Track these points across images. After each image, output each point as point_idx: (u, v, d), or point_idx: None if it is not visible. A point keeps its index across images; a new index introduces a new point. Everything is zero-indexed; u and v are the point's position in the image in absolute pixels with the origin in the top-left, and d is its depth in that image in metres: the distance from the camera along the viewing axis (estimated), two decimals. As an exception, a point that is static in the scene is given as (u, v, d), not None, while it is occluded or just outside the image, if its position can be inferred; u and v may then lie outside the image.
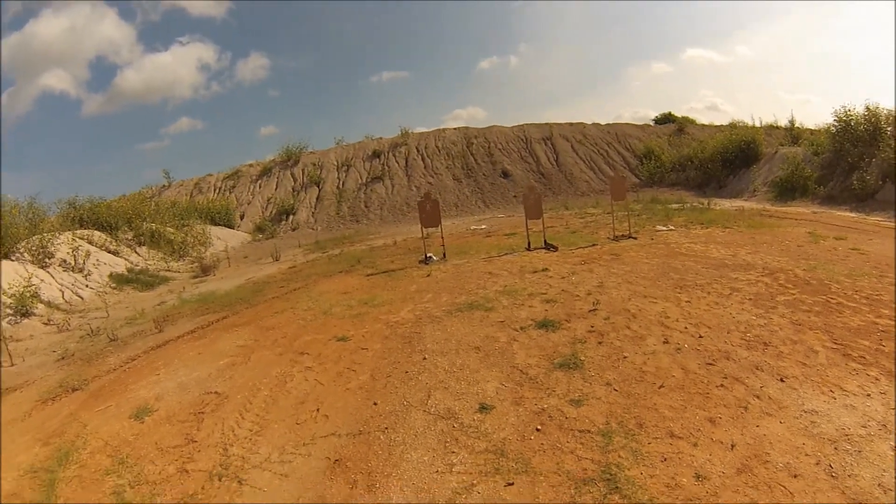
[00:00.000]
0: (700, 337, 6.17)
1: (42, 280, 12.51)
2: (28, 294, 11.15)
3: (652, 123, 35.74)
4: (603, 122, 33.23)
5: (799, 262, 9.27)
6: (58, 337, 9.78)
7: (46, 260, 13.58)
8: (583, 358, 5.87)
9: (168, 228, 20.06)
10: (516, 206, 17.30)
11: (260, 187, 30.01)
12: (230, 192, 29.98)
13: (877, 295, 7.16)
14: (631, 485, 3.66)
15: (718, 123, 32.68)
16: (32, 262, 13.21)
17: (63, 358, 8.35)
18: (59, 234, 15.32)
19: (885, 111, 18.35)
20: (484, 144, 30.37)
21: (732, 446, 4.01)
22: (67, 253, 14.27)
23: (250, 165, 32.63)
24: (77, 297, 12.64)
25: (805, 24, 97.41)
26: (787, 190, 19.62)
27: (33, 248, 13.62)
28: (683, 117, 35.51)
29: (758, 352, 5.67)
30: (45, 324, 10.59)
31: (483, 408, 4.98)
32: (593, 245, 12.73)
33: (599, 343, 6.28)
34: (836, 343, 5.74)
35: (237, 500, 4.05)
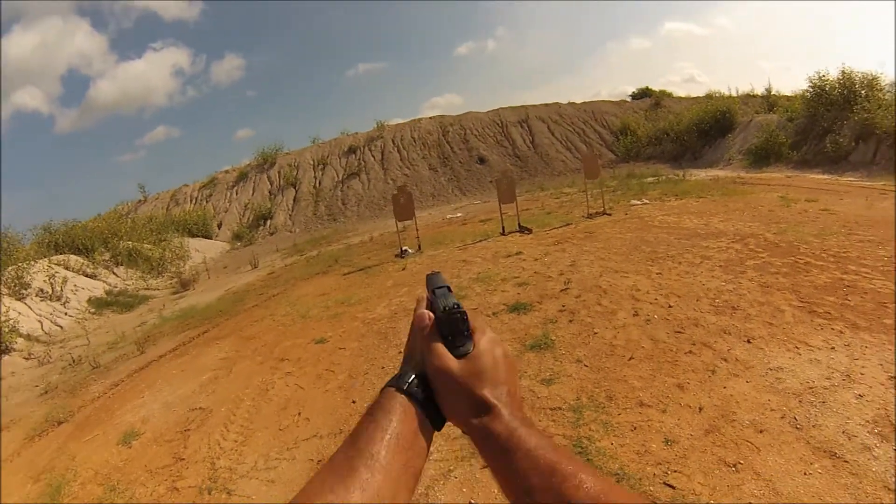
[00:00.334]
0: (670, 307, 6.27)
1: (20, 313, 12.31)
2: (6, 329, 10.97)
3: (629, 99, 35.57)
4: (579, 101, 33.18)
5: (769, 226, 9.42)
6: (40, 370, 9.70)
7: (23, 291, 13.39)
8: (554, 338, 5.94)
9: (145, 245, 19.86)
10: (493, 191, 17.43)
11: (236, 193, 29.78)
12: (207, 202, 29.70)
13: (844, 252, 7.31)
14: (602, 455, 3.75)
15: (696, 95, 32.75)
16: (9, 295, 12.99)
17: (46, 392, 8.28)
18: (35, 262, 15.09)
19: (859, 74, 18.63)
20: (460, 132, 30.28)
21: (700, 409, 4.11)
22: (44, 281, 14.07)
23: (226, 172, 32.32)
24: (56, 327, 12.52)
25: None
26: (762, 157, 19.81)
27: (9, 280, 13.40)
28: (661, 91, 35.31)
29: (726, 316, 5.78)
30: (26, 358, 10.46)
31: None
32: (568, 224, 12.82)
33: (570, 321, 6.35)
34: (802, 301, 5.86)
35: (227, 510, 4.11)
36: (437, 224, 18.13)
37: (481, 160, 28.18)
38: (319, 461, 4.42)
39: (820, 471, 3.27)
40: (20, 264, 14.23)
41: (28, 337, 11.59)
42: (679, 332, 5.57)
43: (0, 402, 6.92)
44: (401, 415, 0.66)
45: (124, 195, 45.47)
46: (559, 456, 0.59)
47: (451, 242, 13.24)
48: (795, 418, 3.81)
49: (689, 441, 3.76)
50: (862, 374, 4.25)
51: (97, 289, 15.45)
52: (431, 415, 0.69)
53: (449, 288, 0.79)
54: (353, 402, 5.41)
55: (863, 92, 18.00)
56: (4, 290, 13.08)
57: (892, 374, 4.15)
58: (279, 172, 30.16)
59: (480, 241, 12.71)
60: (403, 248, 13.00)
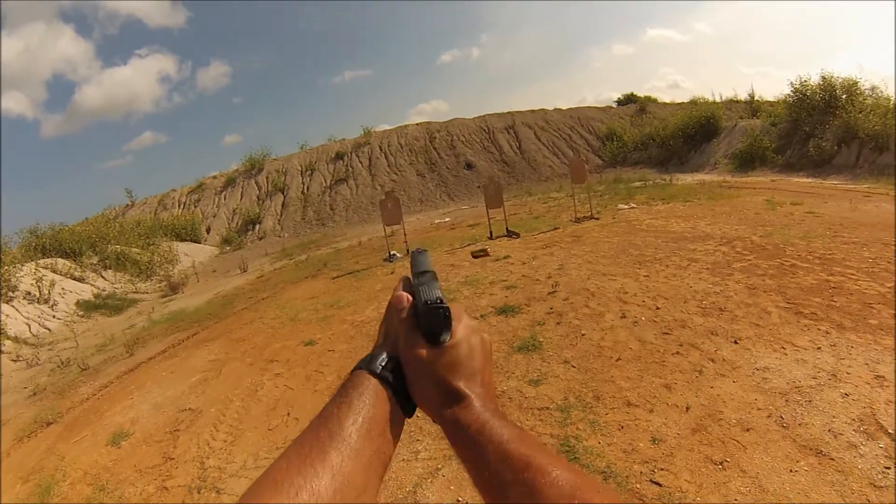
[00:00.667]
0: (657, 309, 6.32)
1: (7, 315, 12.27)
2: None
3: (614, 105, 36.01)
4: (565, 107, 33.42)
5: (756, 229, 9.50)
6: (28, 373, 9.63)
7: (10, 293, 13.30)
8: (541, 339, 5.97)
9: (133, 249, 19.74)
10: (480, 196, 17.51)
11: (225, 199, 29.69)
12: (195, 206, 29.59)
13: (829, 254, 7.40)
14: (589, 453, 3.78)
15: (680, 101, 33.14)
16: (-4, 297, 12.94)
17: (35, 393, 8.23)
18: (22, 265, 15.01)
19: (839, 79, 18.88)
20: (446, 138, 30.35)
21: (687, 408, 4.15)
22: (31, 284, 13.98)
23: (214, 177, 32.19)
24: (44, 330, 12.44)
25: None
26: (747, 161, 20.10)
27: (-4, 283, 13.30)
28: (645, 96, 35.89)
29: (713, 317, 5.83)
30: (14, 360, 10.39)
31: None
32: (555, 229, 12.88)
33: (558, 323, 6.39)
34: (788, 303, 5.93)
35: (216, 510, 4.11)
36: (425, 229, 18.17)
37: (469, 166, 28.25)
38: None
39: (806, 468, 3.31)
40: (7, 267, 14.15)
41: (16, 339, 11.53)
42: (666, 333, 5.61)
43: (0, 398, 6.85)
44: (373, 399, 0.63)
45: (111, 200, 45.22)
46: (532, 449, 0.57)
47: (440, 246, 13.26)
48: (782, 417, 3.85)
49: (676, 440, 3.79)
50: (848, 373, 4.31)
51: (85, 292, 15.34)
52: (402, 401, 0.67)
53: (434, 274, 0.75)
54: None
55: (843, 96, 18.26)
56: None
57: (878, 374, 4.21)
58: (267, 178, 30.10)
59: (468, 245, 12.72)
60: (392, 253, 13.02)
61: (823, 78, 19.28)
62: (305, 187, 28.92)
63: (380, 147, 30.42)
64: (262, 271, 16.11)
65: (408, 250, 12.96)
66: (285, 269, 15.37)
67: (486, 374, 0.69)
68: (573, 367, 5.22)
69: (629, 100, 36.05)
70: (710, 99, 29.88)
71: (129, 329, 11.53)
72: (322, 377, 6.20)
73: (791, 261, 7.36)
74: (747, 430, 3.77)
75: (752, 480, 3.27)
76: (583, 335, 5.91)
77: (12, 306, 12.87)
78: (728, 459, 3.49)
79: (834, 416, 3.78)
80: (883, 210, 10.05)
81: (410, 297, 0.72)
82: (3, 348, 10.76)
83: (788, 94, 20.66)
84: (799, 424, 3.74)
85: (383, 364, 0.67)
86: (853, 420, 3.71)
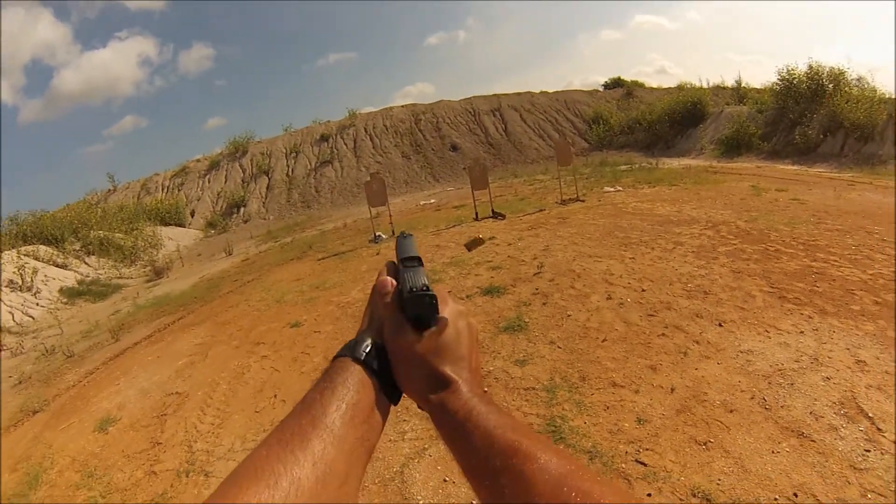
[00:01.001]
0: (643, 291, 6.37)
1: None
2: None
3: (601, 89, 35.77)
4: (551, 91, 33.27)
5: (741, 214, 9.57)
6: (13, 361, 9.51)
7: (-8, 282, 13.16)
8: (527, 320, 6.01)
9: (117, 234, 19.50)
10: (466, 178, 17.48)
11: (209, 182, 29.40)
12: (179, 190, 29.25)
13: (813, 241, 7.48)
14: (575, 434, 3.82)
15: (667, 86, 33.08)
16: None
17: (20, 382, 8.12)
18: (3, 253, 14.81)
19: (826, 68, 18.97)
20: (432, 120, 30.22)
21: (672, 390, 4.20)
22: (13, 272, 13.76)
23: (197, 160, 31.80)
24: (28, 318, 12.28)
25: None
26: (733, 147, 20.16)
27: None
28: (633, 81, 35.66)
29: (698, 300, 5.89)
30: (-2, 350, 10.30)
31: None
32: (541, 210, 12.91)
33: (544, 304, 6.43)
34: (772, 287, 6.00)
35: (206, 492, 4.08)
36: (410, 210, 18.17)
37: (454, 148, 28.17)
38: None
39: (787, 449, 3.37)
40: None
41: (-1, 328, 11.39)
42: (652, 315, 5.66)
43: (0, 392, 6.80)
44: (358, 385, 0.61)
45: (93, 185, 44.63)
46: (520, 435, 0.56)
47: (425, 228, 13.25)
48: (765, 399, 3.91)
49: (661, 420, 3.84)
50: (829, 357, 4.38)
51: (68, 279, 15.14)
52: (387, 388, 0.66)
53: (420, 260, 0.75)
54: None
55: (830, 86, 18.36)
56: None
57: (859, 359, 4.28)
58: (251, 161, 29.83)
59: (454, 226, 12.77)
60: (377, 234, 13.01)
61: (810, 67, 19.36)
62: (290, 170, 28.71)
63: (365, 129, 30.22)
64: (247, 254, 16.03)
65: (393, 231, 13.03)
66: (271, 252, 15.32)
67: (473, 358, 0.69)
68: (559, 347, 5.26)
69: (616, 84, 35.82)
70: (698, 85, 29.92)
71: (114, 315, 11.44)
72: (308, 359, 6.20)
73: (775, 246, 7.43)
74: (731, 411, 3.83)
75: (735, 461, 3.32)
76: (568, 316, 5.95)
77: (-6, 293, 12.71)
78: (712, 440, 3.55)
79: (815, 399, 3.84)
80: (866, 199, 10.15)
81: (395, 283, 0.72)
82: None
83: (775, 82, 20.74)
84: (781, 407, 3.80)
85: (367, 350, 0.66)
86: (834, 403, 3.77)
